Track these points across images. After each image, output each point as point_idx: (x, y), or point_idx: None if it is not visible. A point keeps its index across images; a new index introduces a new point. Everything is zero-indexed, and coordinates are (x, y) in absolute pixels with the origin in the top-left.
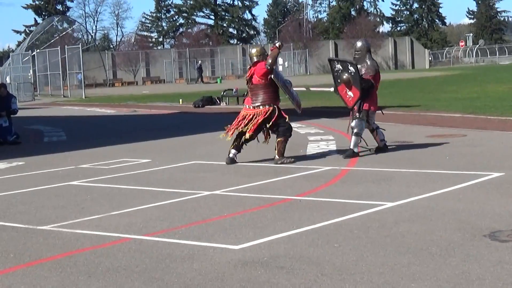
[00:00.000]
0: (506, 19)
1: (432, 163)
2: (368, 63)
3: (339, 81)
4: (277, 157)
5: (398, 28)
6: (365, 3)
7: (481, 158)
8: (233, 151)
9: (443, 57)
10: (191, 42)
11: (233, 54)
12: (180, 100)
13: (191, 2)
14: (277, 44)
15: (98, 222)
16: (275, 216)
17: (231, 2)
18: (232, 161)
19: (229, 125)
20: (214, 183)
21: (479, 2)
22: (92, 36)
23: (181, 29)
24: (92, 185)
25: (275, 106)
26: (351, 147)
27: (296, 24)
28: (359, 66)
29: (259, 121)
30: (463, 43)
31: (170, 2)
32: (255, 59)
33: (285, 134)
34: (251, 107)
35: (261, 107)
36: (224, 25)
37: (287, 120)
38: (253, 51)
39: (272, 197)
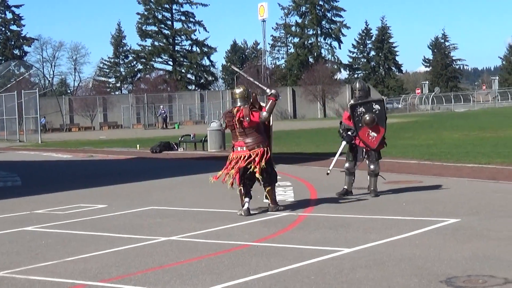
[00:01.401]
0: (461, 67)
1: (389, 209)
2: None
3: (360, 125)
4: (271, 205)
5: (356, 75)
6: (322, 50)
7: (438, 205)
8: (246, 199)
9: (399, 104)
10: (149, 87)
11: (191, 99)
12: (138, 145)
13: (150, 48)
14: (273, 92)
15: (53, 268)
16: (232, 262)
17: (190, 48)
18: (249, 212)
19: (219, 172)
20: (171, 228)
21: (435, 50)
22: (49, 81)
23: (139, 75)
24: (47, 230)
25: (268, 148)
26: (374, 187)
27: (254, 71)
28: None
29: (260, 158)
30: (419, 91)
31: (128, 48)
32: (238, 102)
33: (273, 181)
34: (244, 149)
35: (256, 147)
36: (183, 71)
37: (274, 165)
38: (237, 91)
39: (230, 243)
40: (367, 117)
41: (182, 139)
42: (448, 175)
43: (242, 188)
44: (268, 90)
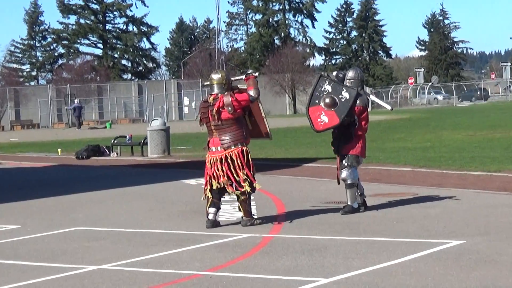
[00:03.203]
0: (465, 51)
1: (376, 229)
2: (361, 93)
3: (317, 101)
4: (245, 218)
5: (333, 61)
6: (291, 30)
7: (437, 223)
8: (212, 210)
9: (388, 97)
10: (73, 76)
11: (126, 92)
12: (59, 149)
13: (74, 27)
14: (256, 74)
15: None
16: None
17: (124, 28)
18: (214, 223)
19: (206, 180)
20: (102, 255)
21: (432, 30)
22: None
23: (60, 61)
24: None
25: (247, 148)
26: (349, 202)
27: (205, 55)
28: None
29: (244, 162)
30: (412, 80)
31: (46, 27)
32: (216, 89)
33: (249, 189)
34: (219, 149)
35: (233, 146)
36: (116, 55)
37: (254, 169)
38: (216, 77)
39: (176, 273)
40: (327, 98)
41: (116, 141)
42: (450, 186)
43: (209, 194)
44: (243, 76)
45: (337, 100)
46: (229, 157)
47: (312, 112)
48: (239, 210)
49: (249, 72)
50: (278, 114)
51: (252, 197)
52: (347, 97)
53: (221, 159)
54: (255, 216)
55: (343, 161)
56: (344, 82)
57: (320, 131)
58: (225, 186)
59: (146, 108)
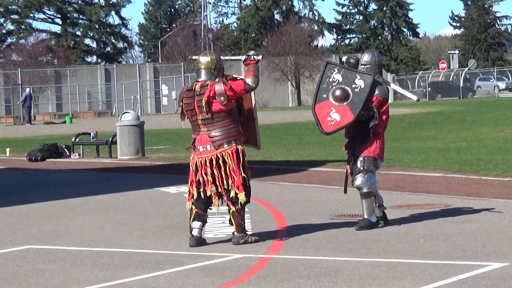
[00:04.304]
0: (510, 29)
1: (398, 248)
2: (380, 81)
3: (325, 95)
4: (237, 234)
5: (347, 41)
6: (295, 2)
7: (474, 241)
8: (197, 224)
9: (414, 85)
10: (24, 59)
11: (91, 78)
12: (7, 149)
13: None
14: (258, 57)
15: None
16: None
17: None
18: (199, 241)
19: (189, 188)
20: (61, 279)
21: (469, 3)
22: None
23: (9, 39)
24: None
25: (241, 146)
26: (366, 215)
27: (189, 33)
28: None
29: (237, 166)
30: (444, 65)
31: None
32: (203, 75)
33: (244, 199)
34: (208, 148)
35: (225, 144)
36: (77, 33)
37: (249, 175)
38: (205, 60)
39: None
40: (338, 90)
41: (77, 139)
42: (490, 196)
43: (193, 206)
44: (241, 57)
45: (349, 91)
46: (220, 158)
47: (319, 110)
48: (230, 223)
49: (250, 54)
50: (278, 107)
51: (246, 209)
52: (362, 86)
53: (210, 160)
54: (249, 232)
55: (358, 164)
56: (358, 68)
57: (330, 133)
58: (211, 196)
59: (115, 98)
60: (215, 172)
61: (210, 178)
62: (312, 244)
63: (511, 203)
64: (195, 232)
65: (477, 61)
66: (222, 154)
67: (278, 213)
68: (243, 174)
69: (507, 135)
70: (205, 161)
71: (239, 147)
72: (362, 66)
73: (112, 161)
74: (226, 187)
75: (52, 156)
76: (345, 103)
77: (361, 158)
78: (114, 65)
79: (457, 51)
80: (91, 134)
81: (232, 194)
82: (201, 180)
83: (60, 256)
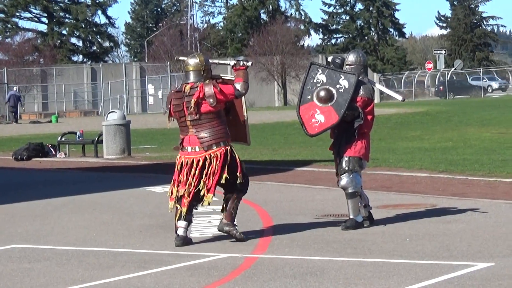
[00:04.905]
0: (496, 29)
1: (384, 248)
2: (365, 81)
3: (309, 97)
4: (225, 221)
5: (333, 41)
6: (282, 2)
7: (459, 241)
8: (182, 224)
9: (400, 85)
10: (10, 58)
11: (77, 77)
12: None
13: None
14: (248, 63)
15: None
16: None
17: None
18: (184, 240)
19: (171, 188)
20: (46, 279)
21: (455, 3)
22: None
23: None
24: None
25: (231, 146)
26: (351, 216)
27: (175, 33)
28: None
29: (220, 169)
30: (431, 65)
31: None
32: (192, 77)
33: (242, 189)
34: (197, 149)
35: (214, 146)
36: (64, 32)
37: (244, 168)
38: (193, 62)
39: None
40: (322, 91)
41: (63, 139)
42: (476, 196)
43: (178, 204)
44: (230, 61)
45: (334, 92)
46: (208, 160)
47: (303, 111)
48: (222, 210)
49: (239, 59)
50: (264, 106)
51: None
52: (346, 86)
53: (198, 161)
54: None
55: (343, 165)
56: (344, 68)
57: (315, 135)
58: (184, 195)
59: (101, 98)
60: (196, 173)
61: (187, 179)
62: (298, 244)
63: (496, 203)
64: (180, 232)
65: (463, 61)
66: (210, 155)
67: (264, 213)
68: (225, 175)
69: (493, 135)
70: (192, 161)
71: (228, 148)
72: (347, 66)
73: (98, 161)
74: (199, 188)
75: (38, 155)
76: (329, 104)
77: (346, 158)
78: (100, 64)
79: (443, 51)
80: (77, 134)
81: (202, 193)
82: (181, 178)
83: (46, 255)
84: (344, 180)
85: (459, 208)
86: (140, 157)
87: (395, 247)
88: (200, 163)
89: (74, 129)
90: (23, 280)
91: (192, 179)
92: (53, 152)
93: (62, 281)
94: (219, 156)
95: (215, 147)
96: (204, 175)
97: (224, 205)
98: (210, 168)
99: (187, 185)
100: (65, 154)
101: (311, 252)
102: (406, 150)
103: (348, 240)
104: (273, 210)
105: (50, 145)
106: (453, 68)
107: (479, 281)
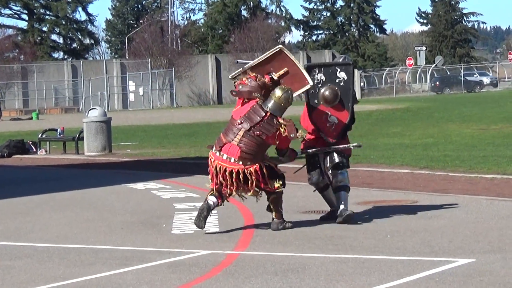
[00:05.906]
0: (476, 26)
1: (366, 244)
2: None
3: (316, 101)
4: (276, 220)
5: (314, 38)
6: None
7: (440, 237)
8: (211, 199)
9: (381, 81)
10: None
11: (57, 74)
12: None
13: None
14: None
15: None
16: None
17: None
18: (208, 210)
19: (212, 186)
20: (27, 276)
21: (436, 0)
22: None
23: None
24: None
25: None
26: (348, 207)
27: (156, 29)
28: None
29: (262, 183)
30: (411, 61)
31: None
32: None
33: (280, 187)
34: (232, 160)
35: (249, 162)
36: (44, 29)
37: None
38: (285, 96)
39: None
40: (326, 91)
41: (44, 135)
42: (457, 192)
43: (215, 189)
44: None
45: (337, 89)
46: (241, 174)
47: (316, 118)
48: (268, 210)
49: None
50: None
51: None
52: (345, 77)
53: (231, 171)
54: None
55: (336, 160)
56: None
57: (336, 138)
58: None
59: (82, 94)
60: (234, 183)
61: (226, 185)
62: (279, 241)
63: (477, 199)
64: (210, 201)
65: (444, 58)
66: (244, 170)
67: (245, 210)
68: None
69: (473, 131)
70: (225, 170)
71: (260, 164)
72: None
73: (79, 157)
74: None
75: (19, 153)
76: (337, 102)
77: (340, 154)
78: (81, 61)
79: (424, 48)
80: (58, 130)
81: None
82: (223, 182)
83: (27, 252)
84: (344, 174)
85: (440, 204)
86: (121, 154)
87: (376, 243)
88: (234, 174)
89: (55, 126)
90: (4, 277)
91: (232, 186)
92: (34, 149)
93: (44, 278)
94: (253, 172)
95: (250, 163)
96: (242, 183)
97: (269, 205)
98: (251, 181)
99: (228, 188)
100: (46, 151)
101: (293, 249)
102: (387, 147)
103: (329, 237)
104: (255, 207)
105: (30, 142)
106: (434, 65)
107: (460, 277)
